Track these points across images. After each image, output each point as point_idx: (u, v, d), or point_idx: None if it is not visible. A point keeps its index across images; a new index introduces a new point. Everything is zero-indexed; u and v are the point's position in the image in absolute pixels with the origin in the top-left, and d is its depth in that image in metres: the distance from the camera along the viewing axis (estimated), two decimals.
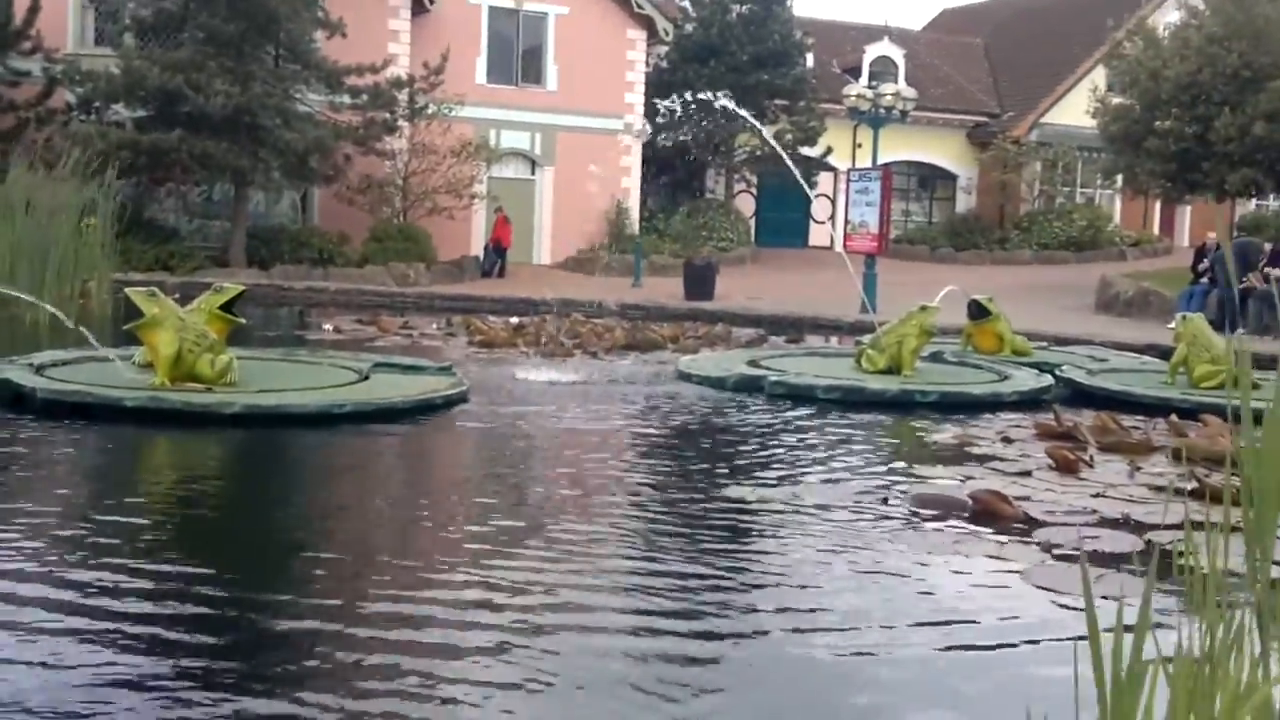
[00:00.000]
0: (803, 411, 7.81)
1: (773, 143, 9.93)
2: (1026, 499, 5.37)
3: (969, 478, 5.87)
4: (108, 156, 17.14)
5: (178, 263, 20.28)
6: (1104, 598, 3.85)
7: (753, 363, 9.59)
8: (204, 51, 20.49)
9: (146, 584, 3.72)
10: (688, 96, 23.16)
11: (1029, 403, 8.43)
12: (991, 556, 4.47)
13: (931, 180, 35.64)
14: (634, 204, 28.88)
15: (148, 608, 3.50)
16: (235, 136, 20.50)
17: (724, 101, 10.18)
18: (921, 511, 5.13)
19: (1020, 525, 4.94)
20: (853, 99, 18.95)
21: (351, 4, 22.74)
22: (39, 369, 7.32)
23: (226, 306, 7.93)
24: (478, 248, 26.43)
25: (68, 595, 3.58)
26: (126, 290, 7.18)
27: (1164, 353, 11.95)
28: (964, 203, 35.18)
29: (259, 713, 2.82)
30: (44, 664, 3.04)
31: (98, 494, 5.23)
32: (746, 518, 4.97)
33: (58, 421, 6.43)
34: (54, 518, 4.64)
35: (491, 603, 3.64)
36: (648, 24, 28.62)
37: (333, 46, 21.97)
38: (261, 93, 20.55)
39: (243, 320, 8.18)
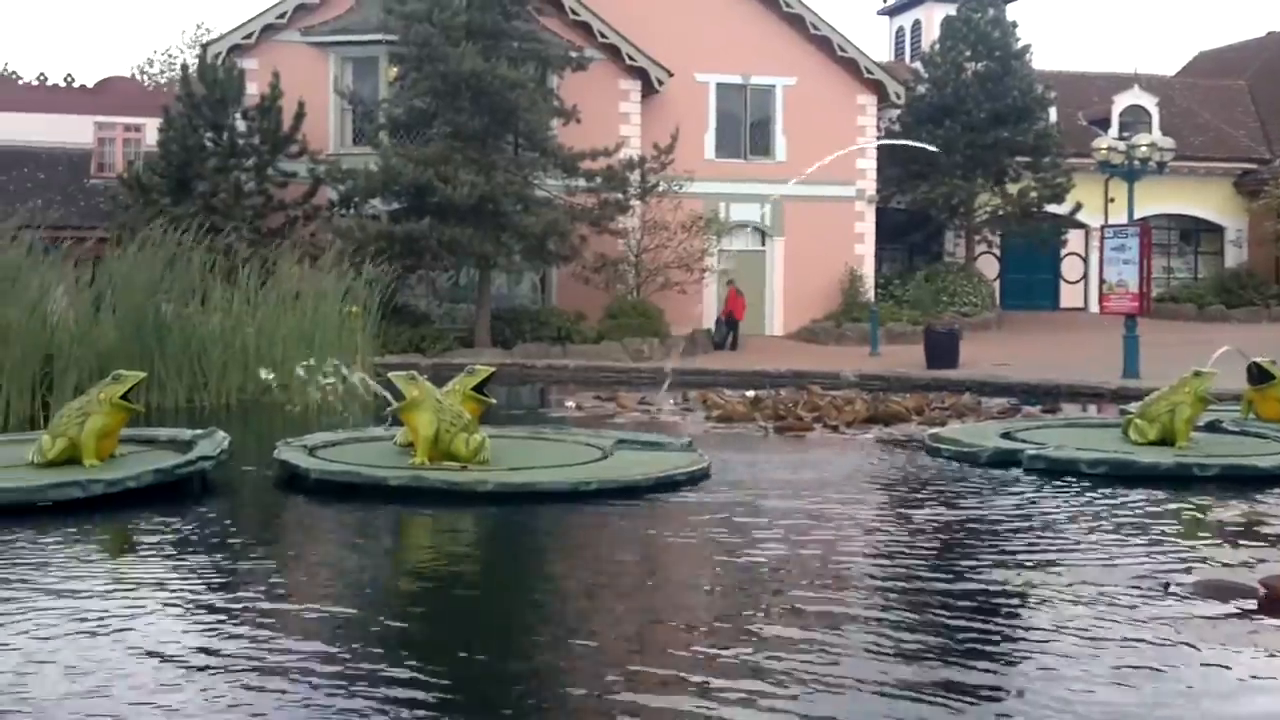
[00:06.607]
0: (1066, 487, 7.33)
1: None
2: None
3: (1260, 561, 5.32)
4: (365, 247, 18.35)
5: (429, 345, 21.38)
6: None
7: (1007, 435, 9.10)
8: (451, 145, 21.75)
9: (415, 658, 3.80)
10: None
11: None
12: None
13: (1195, 233, 33.55)
14: (868, 271, 28.48)
15: (418, 677, 3.57)
16: (479, 223, 21.56)
17: None
18: (1207, 599, 4.66)
19: None
20: (1103, 152, 18.07)
21: (585, 91, 23.65)
22: (311, 450, 7.78)
23: (479, 387, 8.21)
24: (709, 321, 26.64)
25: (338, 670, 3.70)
26: (389, 375, 7.55)
27: None
28: (1234, 256, 32.92)
29: None
30: None
31: (369, 570, 5.46)
32: (1011, 605, 4.65)
33: (328, 500, 6.80)
34: (327, 593, 4.85)
35: (738, 690, 3.51)
36: (878, 88, 28.41)
37: (568, 133, 22.88)
38: (503, 181, 21.59)
39: (493, 401, 8.45)
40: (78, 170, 29.34)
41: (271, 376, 8.82)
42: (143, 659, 3.85)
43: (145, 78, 47.73)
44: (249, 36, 25.16)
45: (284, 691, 3.55)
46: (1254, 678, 3.78)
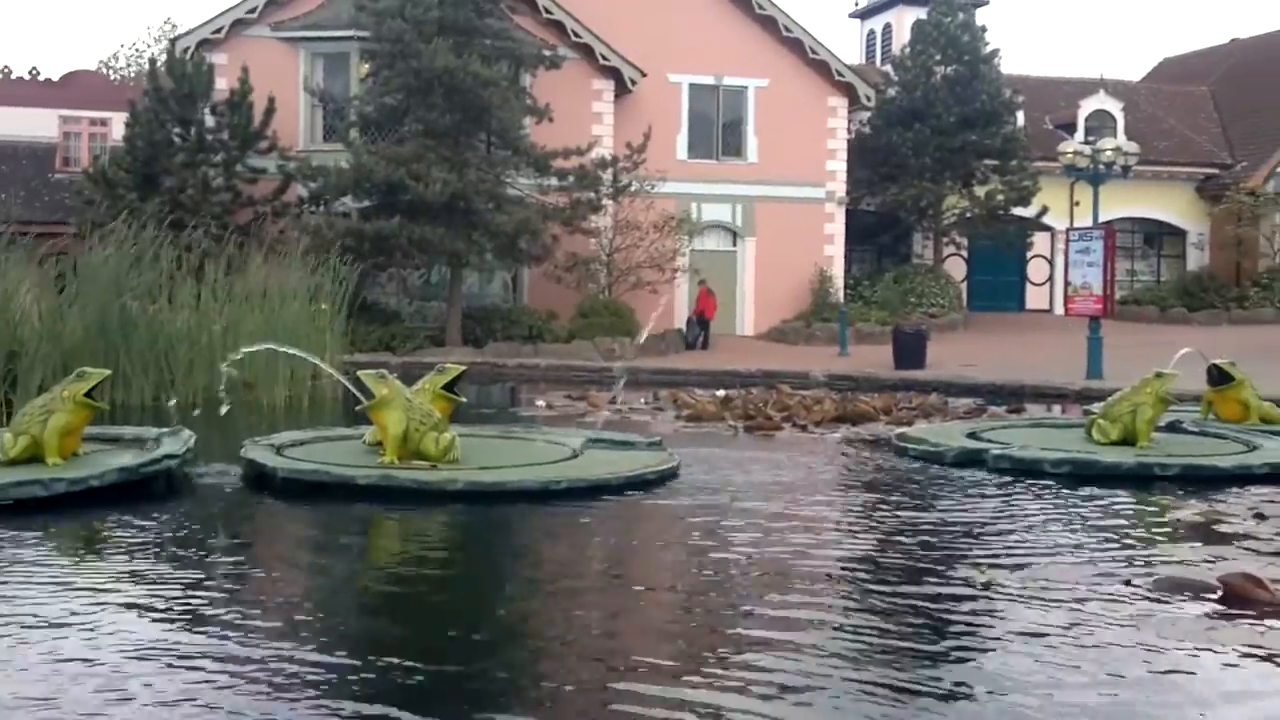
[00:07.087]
0: (1030, 486, 7.42)
1: None
2: None
3: (1219, 558, 5.41)
4: (334, 244, 18.26)
5: (399, 343, 21.29)
6: None
7: (973, 434, 9.19)
8: (423, 143, 21.67)
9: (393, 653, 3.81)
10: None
11: None
12: (1253, 646, 4.07)
13: (1158, 237, 33.93)
14: (838, 272, 28.63)
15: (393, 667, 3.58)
16: (451, 221, 21.50)
17: None
18: (1166, 595, 4.74)
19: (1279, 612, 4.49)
20: (1069, 156, 18.28)
21: (558, 90, 23.64)
22: (279, 449, 7.74)
23: (449, 386, 8.21)
24: (680, 321, 26.69)
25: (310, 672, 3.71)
26: (358, 373, 7.53)
27: None
28: (1196, 259, 33.32)
29: None
30: None
31: (336, 569, 5.45)
32: (974, 604, 4.71)
33: (296, 499, 6.78)
34: (293, 593, 4.85)
35: (710, 688, 3.54)
36: (849, 91, 28.57)
37: (540, 132, 22.88)
38: (475, 179, 21.55)
39: (463, 399, 8.44)
40: (42, 164, 29.02)
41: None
42: (103, 661, 3.82)
43: (112, 72, 47.28)
44: (218, 31, 24.97)
45: (248, 694, 3.54)
46: (1212, 674, 3.85)
